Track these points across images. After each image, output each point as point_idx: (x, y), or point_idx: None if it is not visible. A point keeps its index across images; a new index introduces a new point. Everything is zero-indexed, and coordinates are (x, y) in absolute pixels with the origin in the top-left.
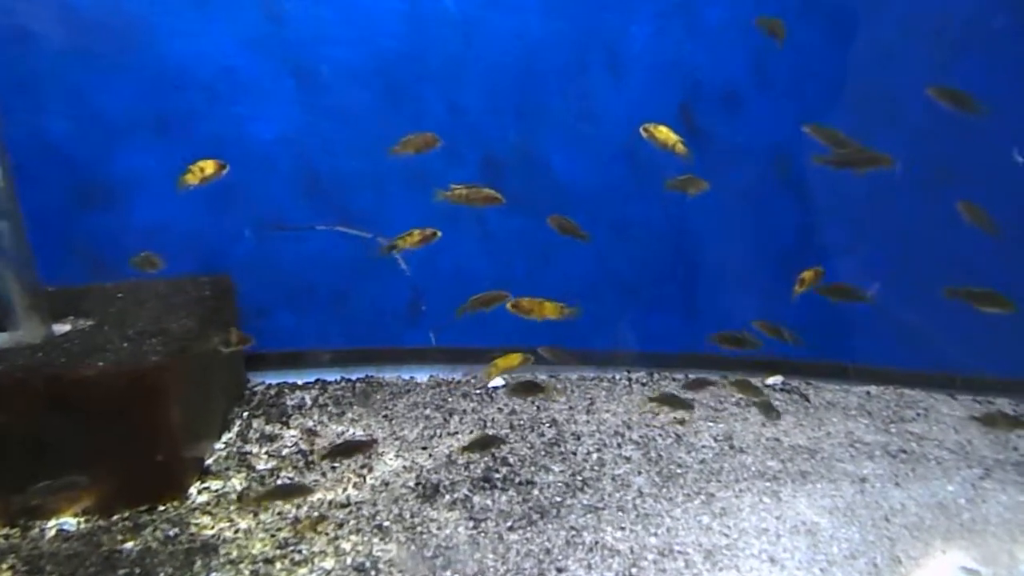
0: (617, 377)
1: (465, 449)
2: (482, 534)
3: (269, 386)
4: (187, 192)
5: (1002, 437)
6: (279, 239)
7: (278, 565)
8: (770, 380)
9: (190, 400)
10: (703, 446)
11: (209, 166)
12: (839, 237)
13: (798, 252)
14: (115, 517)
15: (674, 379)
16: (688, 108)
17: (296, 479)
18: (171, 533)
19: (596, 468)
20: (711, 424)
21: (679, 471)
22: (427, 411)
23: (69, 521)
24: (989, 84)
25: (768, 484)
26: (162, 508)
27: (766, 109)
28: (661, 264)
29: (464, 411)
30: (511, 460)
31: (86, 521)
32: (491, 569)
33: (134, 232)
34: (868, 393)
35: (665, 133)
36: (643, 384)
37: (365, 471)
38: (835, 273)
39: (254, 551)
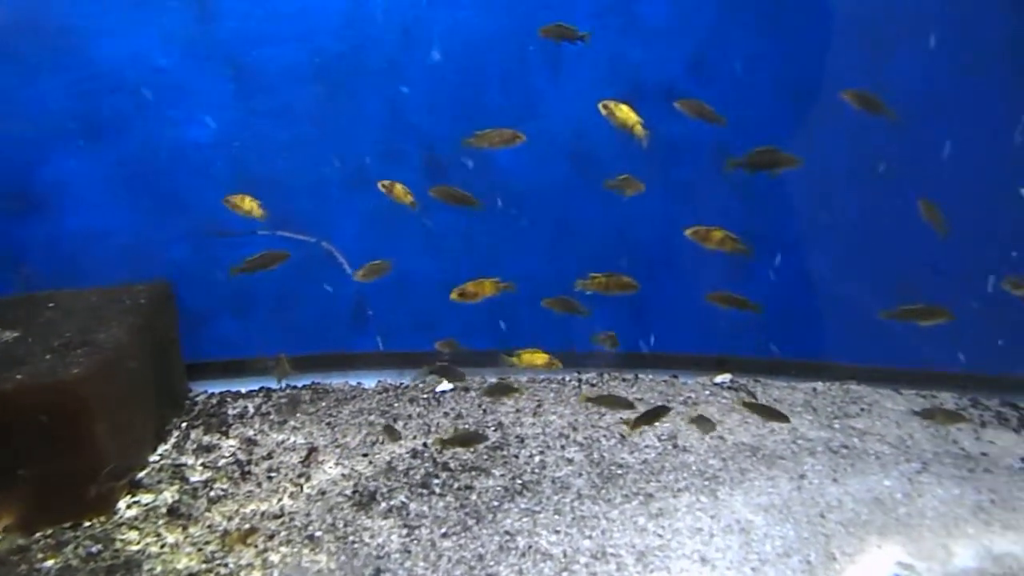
0: (567, 379)
1: (445, 444)
2: (415, 541)
3: (211, 395)
4: (121, 198)
5: (942, 431)
6: (219, 245)
7: None
8: (718, 379)
9: (118, 413)
10: (647, 446)
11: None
12: (784, 232)
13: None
14: (37, 535)
15: (624, 379)
16: (630, 104)
17: (230, 490)
18: (94, 550)
19: (537, 471)
20: (657, 424)
21: (620, 472)
22: (371, 417)
23: None
24: (926, 79)
25: (707, 483)
26: (87, 524)
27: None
28: (607, 262)
29: (409, 416)
30: (452, 465)
31: (5, 540)
32: None
33: (66, 240)
34: (814, 389)
35: (626, 112)
36: (593, 385)
37: (302, 480)
38: (782, 267)
39: (179, 566)
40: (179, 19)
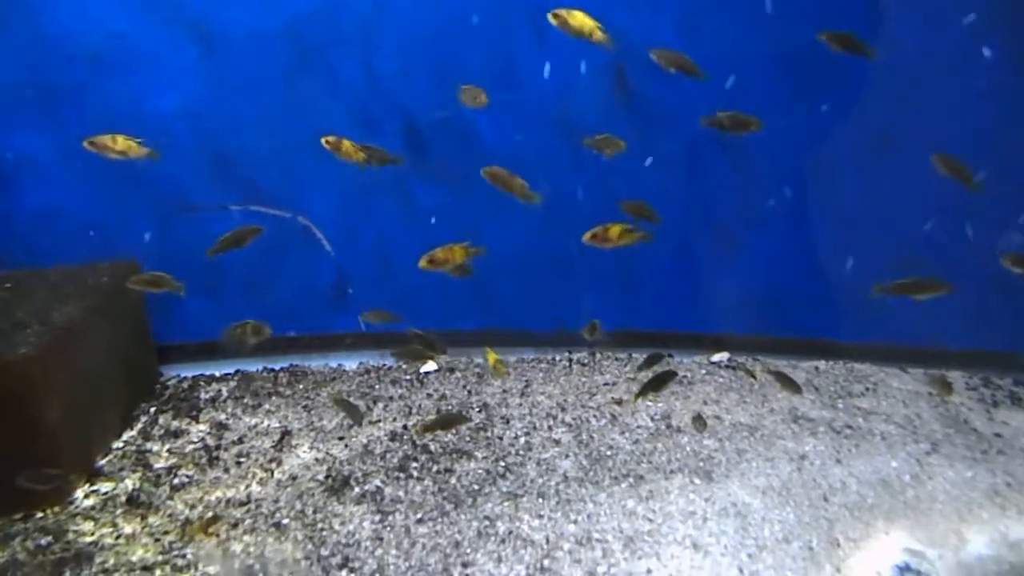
0: (557, 358)
1: (427, 428)
2: (388, 528)
3: (183, 379)
4: (83, 173)
5: (952, 411)
6: (187, 221)
7: (157, 572)
8: (716, 357)
9: (74, 395)
10: (639, 427)
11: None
12: (780, 206)
13: (738, 222)
14: None
15: (616, 358)
16: (619, 71)
17: (195, 477)
18: (43, 542)
19: (522, 453)
20: (649, 403)
21: (609, 453)
22: (351, 399)
23: None
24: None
25: (701, 464)
26: (40, 515)
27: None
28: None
29: (391, 398)
30: (432, 447)
31: None
32: (391, 566)
33: (25, 217)
34: (817, 368)
35: (580, 19)
36: (584, 364)
37: (273, 465)
38: (782, 241)
39: (133, 558)
40: None
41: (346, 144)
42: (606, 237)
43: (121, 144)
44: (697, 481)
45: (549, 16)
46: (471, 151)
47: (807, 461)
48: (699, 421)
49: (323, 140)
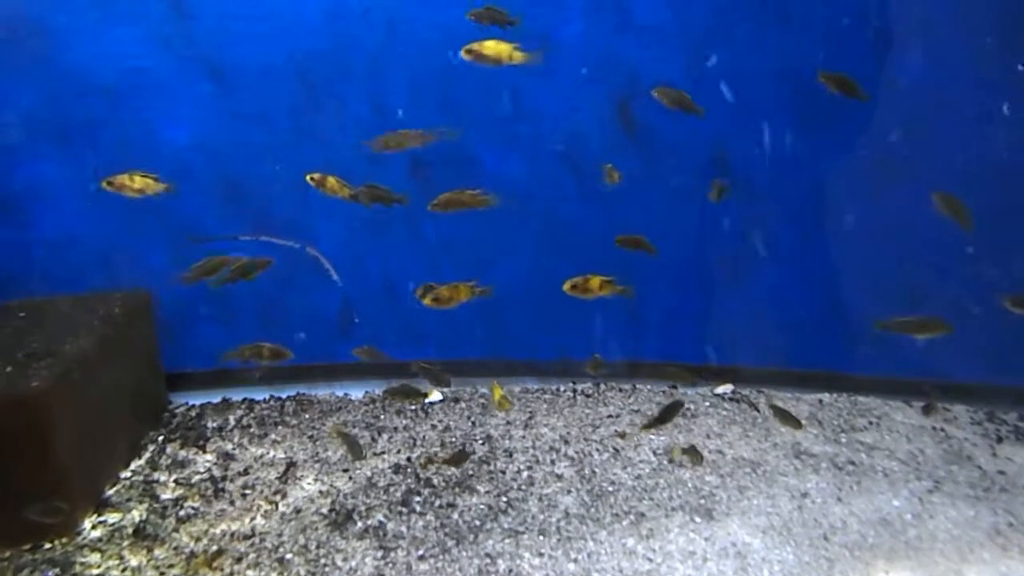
0: (561, 388)
1: (446, 462)
2: (390, 565)
3: (191, 407)
4: (97, 203)
5: (955, 446)
6: (200, 251)
7: None
8: (720, 389)
9: (83, 427)
10: (641, 461)
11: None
12: (789, 237)
13: (745, 253)
14: None
15: (621, 389)
16: (625, 104)
17: (201, 509)
18: (50, 574)
19: (524, 488)
20: (652, 436)
21: (611, 489)
22: (356, 430)
23: None
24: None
25: (702, 502)
26: (48, 546)
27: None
28: (602, 267)
29: (395, 429)
30: (435, 481)
31: None
32: None
33: (40, 246)
34: (821, 401)
35: (493, 47)
36: (588, 396)
37: (278, 497)
38: (786, 272)
39: None
40: (154, 17)
41: (331, 180)
42: (586, 288)
43: (139, 182)
44: (698, 519)
45: (462, 52)
46: (477, 183)
47: (808, 499)
48: (694, 454)
49: (308, 177)
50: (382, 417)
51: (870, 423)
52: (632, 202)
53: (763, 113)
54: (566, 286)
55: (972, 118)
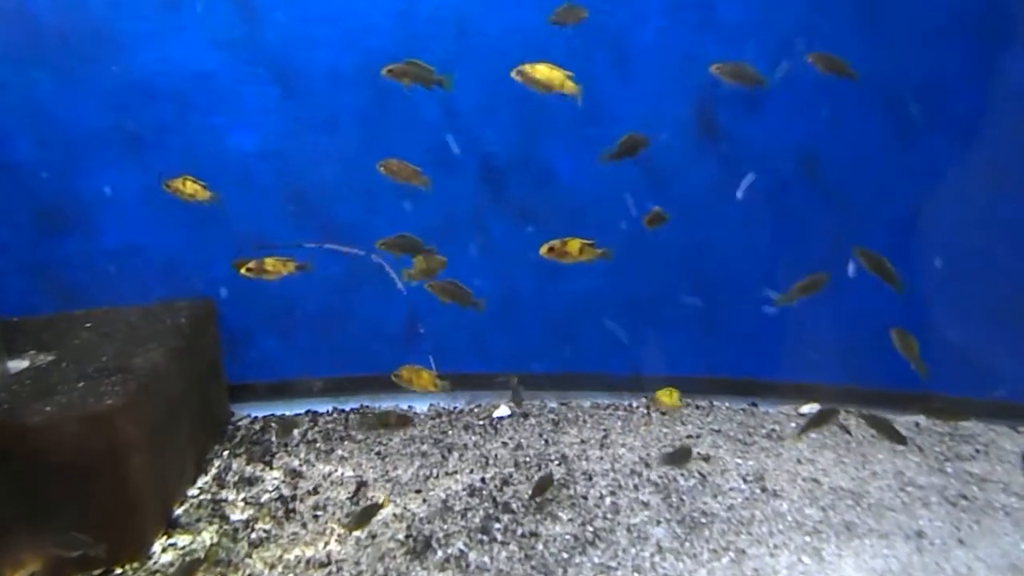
0: (634, 404)
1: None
2: None
3: (254, 420)
4: (161, 211)
5: None
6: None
7: None
8: (804, 409)
9: (155, 444)
10: (731, 489)
11: None
12: (879, 246)
13: (831, 262)
14: None
15: (698, 406)
16: (706, 108)
17: (273, 532)
18: None
19: (610, 516)
20: (739, 460)
21: (704, 521)
22: (424, 446)
23: None
24: None
25: (808, 539)
26: (119, 571)
27: (791, 106)
28: (679, 279)
29: (465, 446)
30: (514, 506)
31: None
32: None
33: (105, 256)
34: (917, 424)
35: (546, 72)
36: (663, 413)
37: (351, 520)
38: (874, 286)
39: None
40: (222, 22)
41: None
42: (564, 251)
43: (190, 188)
44: (807, 560)
45: (512, 74)
46: (550, 189)
47: (926, 540)
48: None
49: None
50: (450, 433)
51: (976, 451)
52: (710, 211)
53: (852, 117)
54: (543, 250)
55: None
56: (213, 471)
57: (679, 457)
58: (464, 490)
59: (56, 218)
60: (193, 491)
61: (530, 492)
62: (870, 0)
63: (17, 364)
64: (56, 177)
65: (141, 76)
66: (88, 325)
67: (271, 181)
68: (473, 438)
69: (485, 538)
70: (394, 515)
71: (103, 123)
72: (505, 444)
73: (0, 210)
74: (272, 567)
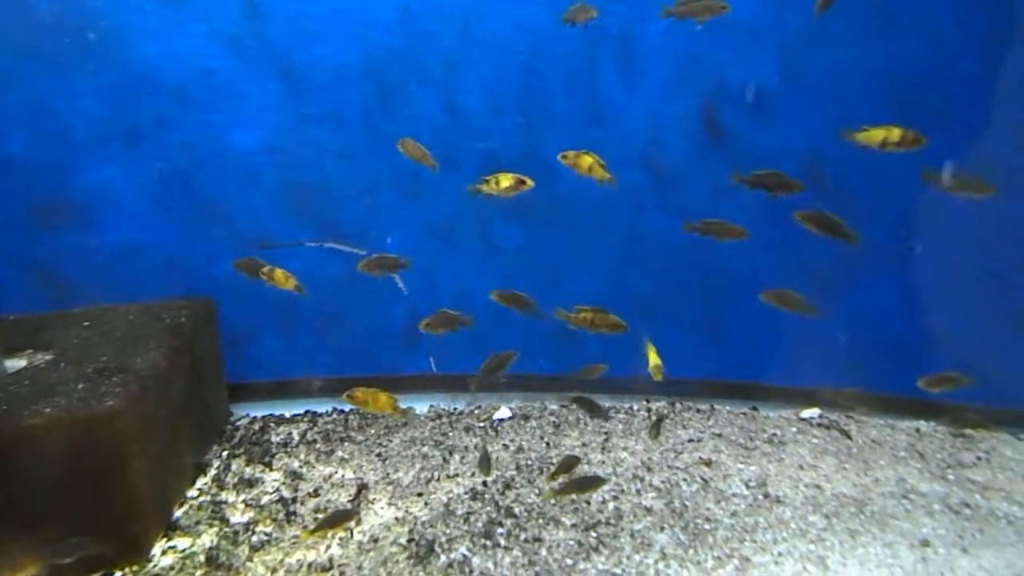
0: (635, 407)
1: (558, 494)
2: None
3: (253, 420)
4: (161, 208)
5: None
6: (264, 257)
7: None
8: (805, 413)
9: (156, 446)
10: (734, 494)
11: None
12: (885, 251)
13: (837, 267)
14: None
15: (698, 410)
16: (712, 110)
17: (274, 535)
18: None
19: (613, 522)
20: (742, 466)
21: (708, 527)
22: (425, 448)
23: None
24: None
25: (812, 547)
26: (119, 574)
27: (799, 110)
28: (681, 280)
29: (466, 448)
30: (516, 510)
31: None
32: None
33: (104, 252)
34: (918, 430)
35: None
36: (665, 416)
37: (352, 523)
38: (877, 291)
39: None
40: (224, 17)
41: (278, 273)
42: (576, 162)
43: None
44: (812, 568)
45: (559, 158)
46: (553, 190)
47: (930, 549)
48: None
49: (260, 272)
50: (450, 434)
51: (978, 458)
52: (713, 214)
53: (861, 118)
54: (559, 155)
55: None
56: (212, 472)
57: (565, 467)
58: (466, 493)
59: (54, 214)
60: (192, 492)
61: (552, 470)
62: (879, 1)
63: (15, 363)
64: (54, 172)
65: (143, 70)
66: (87, 324)
67: (272, 178)
68: (474, 440)
69: (488, 542)
70: (395, 518)
71: (103, 118)
72: (506, 447)
73: None
74: (274, 571)
